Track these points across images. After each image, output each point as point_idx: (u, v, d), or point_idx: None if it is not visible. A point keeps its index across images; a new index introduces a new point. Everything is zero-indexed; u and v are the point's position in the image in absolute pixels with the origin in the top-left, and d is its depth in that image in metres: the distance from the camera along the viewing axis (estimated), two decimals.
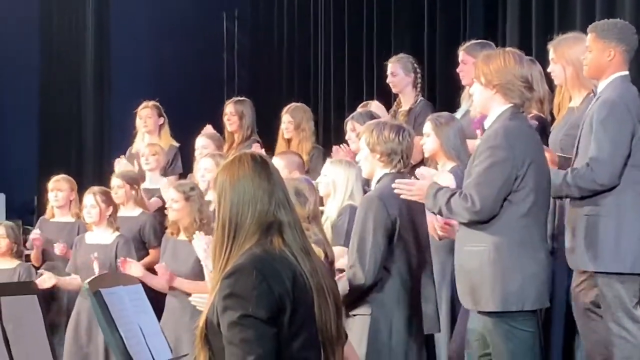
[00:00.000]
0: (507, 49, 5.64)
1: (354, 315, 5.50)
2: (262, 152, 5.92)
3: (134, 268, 7.07)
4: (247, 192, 3.45)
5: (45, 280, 7.55)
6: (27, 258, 8.26)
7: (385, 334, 5.36)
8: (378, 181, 5.59)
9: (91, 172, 12.45)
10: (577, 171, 5.34)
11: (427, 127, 6.57)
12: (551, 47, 6.08)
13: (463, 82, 7.17)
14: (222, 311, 3.33)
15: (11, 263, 7.97)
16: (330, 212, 6.57)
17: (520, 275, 5.11)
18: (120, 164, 8.72)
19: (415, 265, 5.54)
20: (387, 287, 5.39)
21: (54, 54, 14.53)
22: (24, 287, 6.07)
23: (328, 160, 7.13)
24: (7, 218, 10.77)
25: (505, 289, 5.10)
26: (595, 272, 5.42)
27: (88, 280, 5.49)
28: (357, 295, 5.44)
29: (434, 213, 5.45)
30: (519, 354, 5.13)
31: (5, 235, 7.99)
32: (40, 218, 8.64)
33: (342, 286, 5.41)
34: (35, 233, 8.09)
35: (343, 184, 6.67)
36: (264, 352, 3.26)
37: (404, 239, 5.44)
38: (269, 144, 8.62)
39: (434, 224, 5.69)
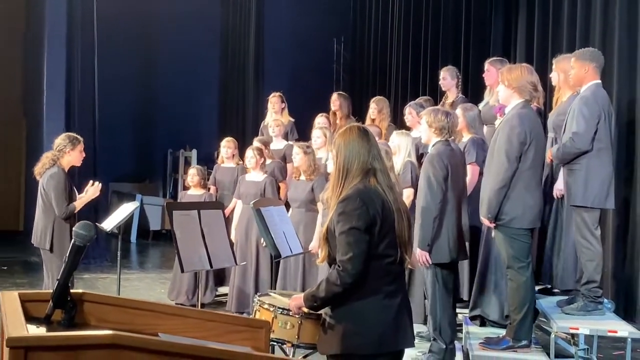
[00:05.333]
0: (523, 63, 5.56)
1: None
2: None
3: None
4: (354, 149, 3.40)
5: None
6: None
7: (445, 234, 5.36)
8: (433, 145, 5.52)
9: (250, 134, 12.52)
10: (565, 143, 5.31)
11: (458, 111, 6.52)
12: (554, 61, 6.02)
13: (486, 83, 7.08)
14: (336, 223, 3.30)
15: (200, 191, 8.00)
16: (396, 166, 6.57)
17: (522, 205, 5.04)
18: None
19: (458, 194, 5.49)
20: (443, 206, 5.35)
21: (229, 56, 14.50)
22: (214, 205, 6.20)
23: (394, 132, 7.11)
24: (197, 163, 10.96)
25: (512, 213, 5.04)
26: (571, 205, 5.39)
27: (253, 202, 5.66)
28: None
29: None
30: (519, 256, 5.08)
31: (196, 174, 8.03)
32: (215, 165, 8.63)
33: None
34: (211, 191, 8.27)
35: (404, 147, 6.56)
36: (359, 250, 3.23)
37: (453, 179, 5.40)
38: (361, 122, 8.62)
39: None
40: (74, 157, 6.32)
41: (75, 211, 6.22)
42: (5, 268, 10.16)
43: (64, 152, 6.27)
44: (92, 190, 6.41)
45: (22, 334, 2.24)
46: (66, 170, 6.31)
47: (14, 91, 13.91)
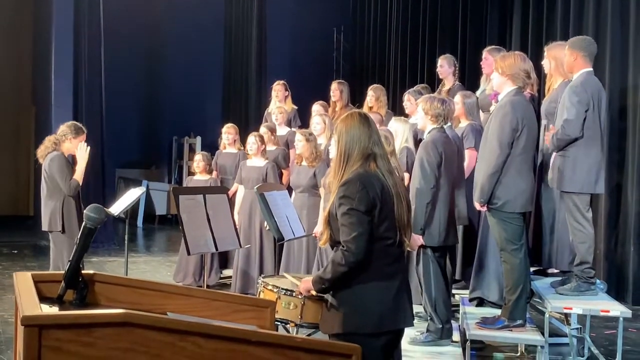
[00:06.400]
0: (516, 52, 5.53)
1: None
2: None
3: None
4: (355, 135, 3.37)
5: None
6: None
7: (437, 219, 5.33)
8: (429, 132, 5.48)
9: (253, 121, 12.52)
10: (556, 132, 5.32)
11: (457, 98, 6.51)
12: (546, 49, 5.97)
13: (484, 72, 7.03)
14: (338, 206, 3.29)
15: (206, 176, 8.03)
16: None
17: (515, 189, 5.03)
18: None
19: (452, 182, 5.44)
20: (436, 191, 5.30)
21: (232, 45, 14.42)
22: (219, 189, 6.19)
23: (393, 118, 7.08)
24: (202, 150, 10.95)
25: (505, 197, 5.04)
26: (561, 191, 5.40)
27: (256, 186, 5.67)
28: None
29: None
30: (512, 239, 5.07)
31: (202, 160, 8.07)
32: (217, 151, 8.57)
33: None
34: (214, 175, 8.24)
35: (401, 133, 6.51)
36: (363, 229, 3.21)
37: (446, 165, 5.36)
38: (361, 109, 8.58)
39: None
40: (73, 146, 6.29)
41: (80, 183, 6.17)
42: (16, 252, 10.20)
43: (66, 139, 6.26)
44: (80, 153, 6.28)
45: (36, 313, 2.26)
46: (66, 156, 6.29)
47: (23, 79, 13.92)
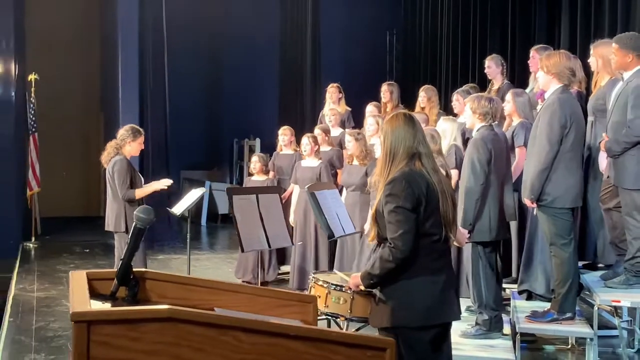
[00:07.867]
0: (561, 50, 5.41)
1: None
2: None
3: None
4: (400, 134, 3.37)
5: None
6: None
7: (487, 215, 5.24)
8: (477, 130, 5.39)
9: (308, 123, 12.54)
10: (623, 133, 5.06)
11: (508, 96, 6.40)
12: (592, 47, 5.82)
13: (531, 70, 6.90)
14: (385, 204, 3.29)
15: (263, 177, 8.04)
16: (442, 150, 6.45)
17: (564, 186, 4.94)
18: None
19: (501, 177, 5.36)
20: (486, 188, 5.22)
21: (287, 50, 14.52)
22: (272, 189, 6.19)
23: (441, 118, 6.99)
24: (261, 151, 11.03)
25: (555, 193, 4.95)
26: (622, 188, 5.21)
27: (307, 185, 5.66)
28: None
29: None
30: (562, 233, 4.98)
31: (258, 161, 8.08)
32: (275, 152, 8.61)
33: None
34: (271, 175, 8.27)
35: (450, 132, 6.47)
36: (409, 227, 3.21)
37: (495, 162, 5.27)
38: (411, 110, 8.50)
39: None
40: (133, 147, 6.38)
41: (135, 198, 6.20)
42: (87, 250, 10.43)
43: (125, 142, 6.35)
44: (158, 183, 6.43)
45: (85, 309, 2.29)
46: (128, 158, 6.38)
47: (93, 88, 14.34)
